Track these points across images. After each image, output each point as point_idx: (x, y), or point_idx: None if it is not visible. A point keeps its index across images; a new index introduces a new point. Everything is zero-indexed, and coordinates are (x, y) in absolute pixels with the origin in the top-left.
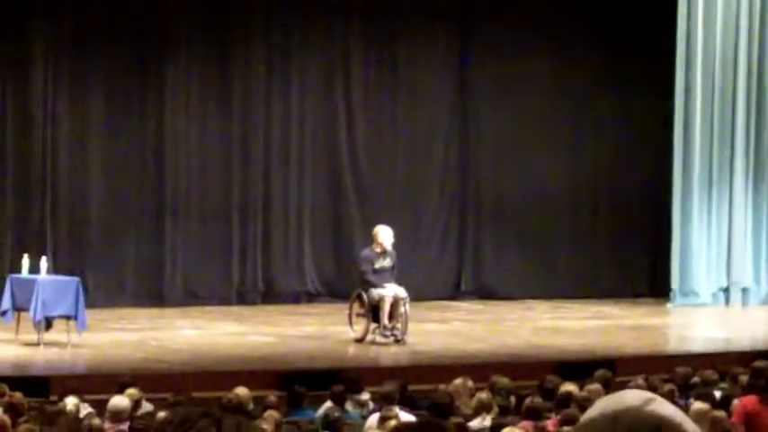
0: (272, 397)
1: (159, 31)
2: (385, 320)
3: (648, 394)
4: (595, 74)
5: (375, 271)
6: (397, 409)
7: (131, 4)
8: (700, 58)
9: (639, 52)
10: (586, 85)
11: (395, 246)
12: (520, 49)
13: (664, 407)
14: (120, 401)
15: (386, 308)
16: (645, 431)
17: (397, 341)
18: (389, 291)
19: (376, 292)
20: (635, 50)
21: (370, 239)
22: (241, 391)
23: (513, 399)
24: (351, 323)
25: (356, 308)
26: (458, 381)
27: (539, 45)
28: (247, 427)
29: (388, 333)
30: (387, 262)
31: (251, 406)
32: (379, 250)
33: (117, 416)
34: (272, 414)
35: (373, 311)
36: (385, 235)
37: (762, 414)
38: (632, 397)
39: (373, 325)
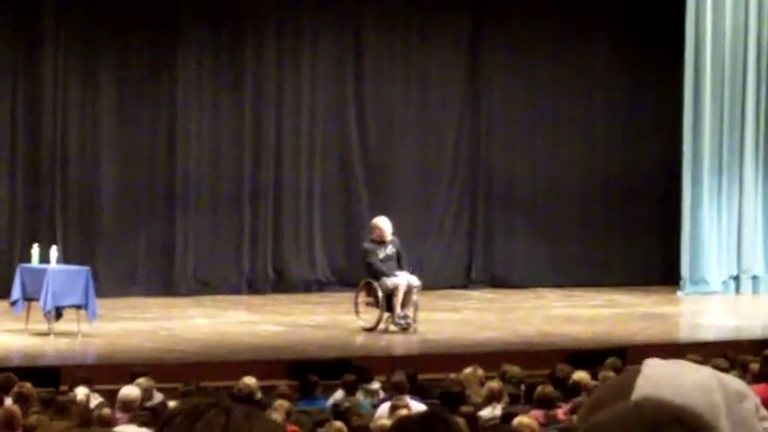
0: (282, 386)
1: (171, 19)
2: (398, 309)
3: None
4: (607, 62)
5: (381, 260)
6: (407, 398)
7: None
8: (709, 47)
9: (650, 41)
10: (598, 73)
11: (398, 234)
12: (531, 36)
13: (688, 396)
14: (130, 391)
15: (400, 296)
16: (665, 420)
17: (405, 329)
18: (403, 279)
19: (390, 281)
20: (646, 39)
21: (369, 231)
22: (249, 380)
23: (523, 387)
24: (357, 312)
25: (362, 297)
26: (468, 369)
27: (550, 33)
28: (257, 417)
29: (402, 321)
30: (389, 250)
31: (259, 395)
32: (379, 240)
33: (128, 405)
34: (282, 403)
35: (384, 300)
36: (384, 225)
37: None
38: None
39: (386, 314)
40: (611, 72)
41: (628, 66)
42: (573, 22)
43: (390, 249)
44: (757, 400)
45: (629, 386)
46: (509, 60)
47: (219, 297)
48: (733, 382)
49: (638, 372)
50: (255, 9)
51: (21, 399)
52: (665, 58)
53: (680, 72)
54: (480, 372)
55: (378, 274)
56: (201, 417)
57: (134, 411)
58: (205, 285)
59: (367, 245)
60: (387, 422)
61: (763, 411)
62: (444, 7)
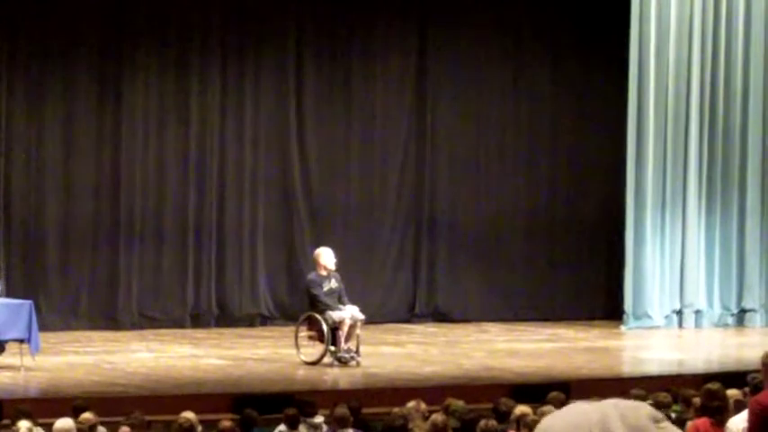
0: (225, 421)
1: (116, 54)
2: (342, 343)
3: (609, 415)
4: (552, 99)
5: (326, 293)
6: None
7: (88, 26)
8: (652, 83)
9: (595, 77)
10: (543, 109)
11: (341, 268)
12: (477, 71)
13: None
14: (64, 423)
15: (345, 330)
16: None
17: (344, 362)
18: (348, 313)
19: (336, 314)
20: (591, 76)
21: (313, 263)
22: (189, 414)
23: (467, 421)
24: (297, 347)
25: (304, 331)
26: (411, 403)
27: (495, 69)
28: None
29: (346, 355)
30: (333, 283)
31: (199, 429)
32: (324, 273)
33: None
34: None
35: (324, 333)
36: (327, 257)
37: None
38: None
39: (330, 347)
40: (556, 108)
41: (573, 102)
42: (518, 58)
43: (334, 283)
44: (650, 408)
45: None
46: (453, 95)
47: (163, 331)
48: (628, 404)
49: None
50: (200, 43)
51: None
52: (610, 94)
53: (624, 108)
54: (423, 406)
55: (324, 308)
56: None
57: None
58: (148, 319)
59: (311, 276)
60: None
61: (659, 415)
62: (389, 41)
